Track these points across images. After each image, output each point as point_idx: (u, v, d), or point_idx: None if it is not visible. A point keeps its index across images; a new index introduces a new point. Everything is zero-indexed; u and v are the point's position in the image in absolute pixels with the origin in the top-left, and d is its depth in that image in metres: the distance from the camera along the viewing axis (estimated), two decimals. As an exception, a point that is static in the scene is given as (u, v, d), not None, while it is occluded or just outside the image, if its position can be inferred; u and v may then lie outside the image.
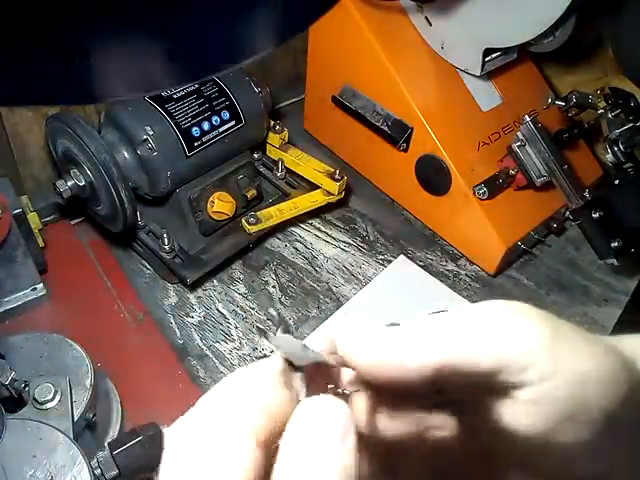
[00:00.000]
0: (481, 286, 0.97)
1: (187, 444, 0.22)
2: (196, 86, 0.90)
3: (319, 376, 0.26)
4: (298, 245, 1.00)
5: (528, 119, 0.88)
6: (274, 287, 0.94)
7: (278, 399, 0.24)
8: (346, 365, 0.26)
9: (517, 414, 0.25)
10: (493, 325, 0.25)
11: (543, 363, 0.25)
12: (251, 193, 0.95)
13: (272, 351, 0.25)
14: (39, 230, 0.87)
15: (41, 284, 0.84)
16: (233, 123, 0.92)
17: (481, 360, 0.24)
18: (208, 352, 0.85)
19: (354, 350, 0.26)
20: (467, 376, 0.25)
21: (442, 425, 0.27)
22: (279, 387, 0.24)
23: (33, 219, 0.85)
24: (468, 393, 0.26)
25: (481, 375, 0.25)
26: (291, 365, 0.24)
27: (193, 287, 0.92)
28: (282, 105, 1.21)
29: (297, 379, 0.25)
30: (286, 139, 1.04)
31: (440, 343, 0.25)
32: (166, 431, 0.23)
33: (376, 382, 0.26)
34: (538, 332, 0.25)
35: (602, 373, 0.25)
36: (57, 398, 0.61)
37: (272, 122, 1.03)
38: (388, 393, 0.27)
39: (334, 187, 0.98)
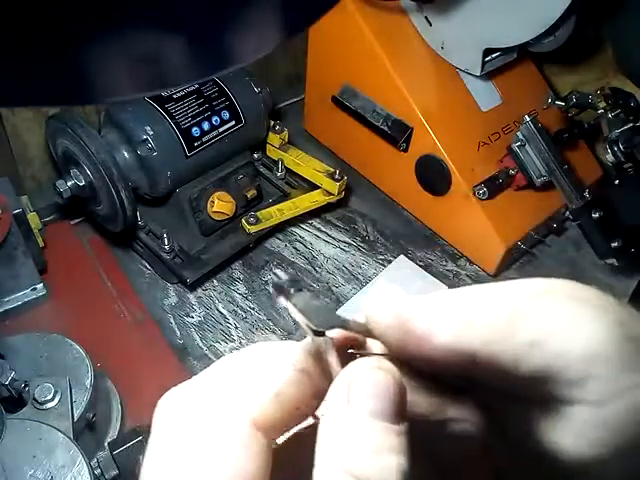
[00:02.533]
0: (481, 286, 0.97)
1: (176, 427, 0.20)
2: (196, 86, 0.90)
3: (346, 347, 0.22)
4: (298, 245, 1.00)
5: (528, 119, 0.88)
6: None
7: (290, 381, 0.21)
8: (371, 335, 0.22)
9: (562, 433, 0.20)
10: (545, 315, 0.20)
11: (607, 378, 0.19)
12: (251, 193, 0.95)
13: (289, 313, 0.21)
14: (39, 230, 0.87)
15: (41, 284, 0.84)
16: (233, 123, 0.92)
17: (521, 361, 0.20)
18: (208, 352, 0.85)
19: (379, 314, 0.22)
20: (502, 376, 0.20)
21: (464, 418, 0.22)
22: (292, 368, 0.21)
23: (33, 219, 0.85)
24: (504, 394, 0.21)
25: (520, 379, 0.20)
26: (312, 330, 0.21)
27: (193, 287, 0.92)
28: (282, 105, 1.21)
29: (322, 344, 0.21)
30: (286, 139, 1.04)
31: (478, 328, 0.20)
32: (158, 405, 0.21)
33: (399, 355, 0.22)
34: (605, 332, 0.19)
35: None
36: (57, 398, 0.61)
37: (272, 122, 1.03)
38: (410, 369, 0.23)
39: (334, 187, 0.98)
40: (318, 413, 0.22)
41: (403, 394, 0.20)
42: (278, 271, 0.21)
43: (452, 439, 0.23)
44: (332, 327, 0.21)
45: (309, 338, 0.22)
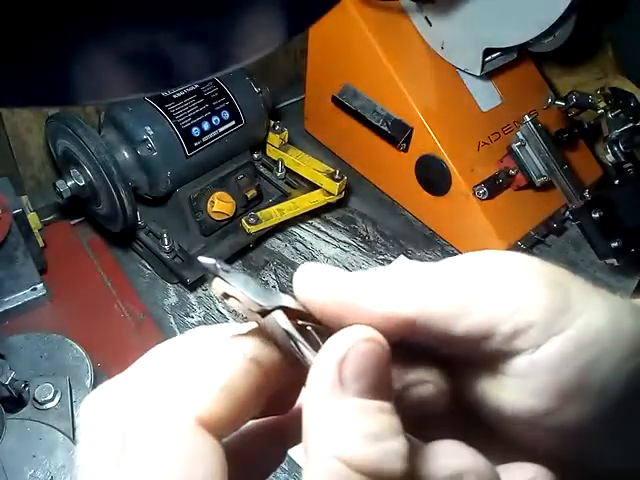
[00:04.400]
0: (481, 286, 0.97)
1: (104, 432, 0.18)
2: (196, 86, 0.90)
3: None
4: (298, 245, 1.00)
5: (528, 119, 0.88)
6: (274, 287, 0.94)
7: (240, 371, 0.19)
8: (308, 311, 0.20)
9: (506, 389, 0.21)
10: (479, 277, 0.20)
11: (538, 325, 0.19)
12: (251, 193, 0.95)
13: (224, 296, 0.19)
14: (39, 230, 0.87)
15: (41, 284, 0.84)
16: (233, 123, 0.92)
17: (456, 322, 0.20)
18: (208, 352, 0.85)
19: (312, 293, 0.20)
20: (442, 339, 0.20)
21: (422, 379, 0.21)
22: (242, 357, 0.19)
23: (33, 219, 0.85)
24: (450, 357, 0.21)
25: (458, 340, 0.20)
26: (259, 311, 0.19)
27: (193, 287, 0.92)
28: (282, 105, 1.21)
29: (272, 324, 0.19)
30: (286, 139, 1.04)
31: (413, 292, 0.20)
32: (83, 402, 0.19)
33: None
34: (534, 282, 0.20)
35: (622, 328, 0.20)
36: (57, 398, 0.61)
37: (272, 122, 1.02)
38: None
39: (334, 187, 0.98)
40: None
41: (389, 365, 0.19)
42: (203, 257, 0.19)
43: (419, 403, 0.22)
44: (275, 305, 0.19)
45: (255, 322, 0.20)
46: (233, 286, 0.19)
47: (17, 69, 0.15)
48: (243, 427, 0.20)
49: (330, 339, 0.19)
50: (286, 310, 0.20)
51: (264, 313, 0.19)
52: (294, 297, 0.21)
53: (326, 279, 0.20)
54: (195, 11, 0.16)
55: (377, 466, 0.16)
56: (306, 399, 0.18)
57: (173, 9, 0.16)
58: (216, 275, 0.19)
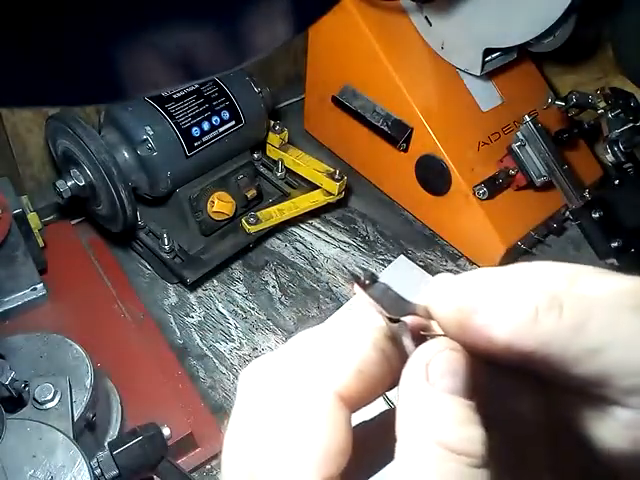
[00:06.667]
0: (481, 286, 0.97)
1: (260, 396, 0.21)
2: (196, 86, 0.90)
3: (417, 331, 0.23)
4: (298, 245, 1.00)
5: (528, 119, 0.88)
6: (274, 287, 0.94)
7: (371, 359, 0.21)
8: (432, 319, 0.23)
9: (606, 428, 0.21)
10: (609, 323, 0.20)
11: None
12: (251, 193, 0.95)
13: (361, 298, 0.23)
14: (39, 230, 0.87)
15: (41, 284, 0.84)
16: (233, 123, 0.92)
17: (579, 365, 0.20)
18: (208, 352, 0.85)
19: (439, 306, 0.22)
20: (557, 374, 0.21)
21: (522, 394, 0.23)
22: (373, 348, 0.22)
23: (33, 219, 0.85)
24: (555, 385, 0.22)
25: (575, 379, 0.20)
26: (387, 318, 0.23)
27: (193, 287, 0.92)
28: (282, 105, 1.21)
29: (398, 330, 0.23)
30: (286, 139, 1.04)
31: (538, 328, 0.20)
32: (242, 372, 0.22)
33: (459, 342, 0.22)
34: None
35: None
36: (57, 398, 0.61)
37: (272, 122, 1.03)
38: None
39: (334, 187, 0.98)
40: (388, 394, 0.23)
41: (471, 372, 0.20)
42: (356, 273, 0.23)
43: (513, 415, 0.23)
44: (405, 314, 0.23)
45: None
46: (371, 294, 0.23)
47: (59, 68, 0.15)
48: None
49: (419, 347, 0.21)
50: (413, 318, 0.23)
51: (393, 320, 0.23)
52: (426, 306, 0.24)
53: (451, 293, 0.22)
54: (197, 9, 0.16)
55: (459, 446, 0.19)
56: (400, 392, 0.21)
57: (197, 8, 0.16)
58: (360, 285, 0.23)
